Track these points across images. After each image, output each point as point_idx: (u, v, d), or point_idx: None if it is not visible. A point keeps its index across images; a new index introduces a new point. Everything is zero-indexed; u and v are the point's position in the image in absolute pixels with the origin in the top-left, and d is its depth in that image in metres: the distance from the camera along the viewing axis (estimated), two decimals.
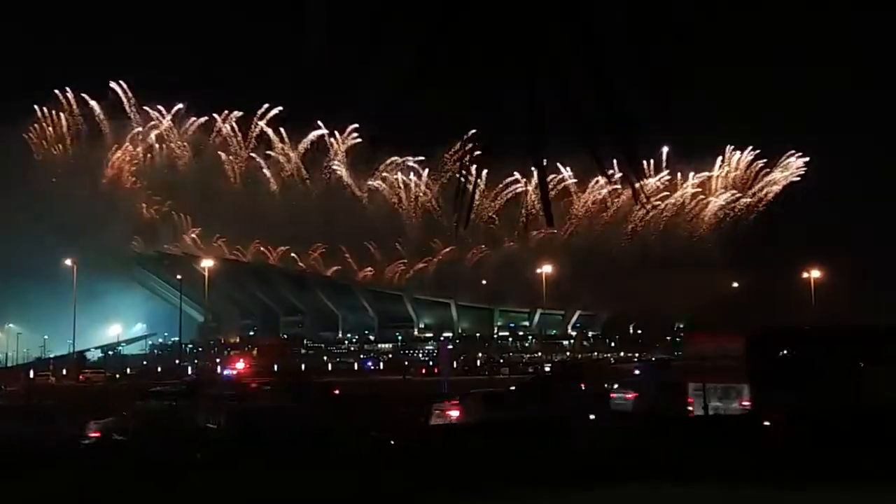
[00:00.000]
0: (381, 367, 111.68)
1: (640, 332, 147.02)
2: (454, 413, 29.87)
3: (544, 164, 5.03)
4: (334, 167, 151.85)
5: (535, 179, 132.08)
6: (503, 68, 4.45)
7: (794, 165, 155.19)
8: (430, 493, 16.05)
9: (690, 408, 28.21)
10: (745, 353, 26.83)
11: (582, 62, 4.15)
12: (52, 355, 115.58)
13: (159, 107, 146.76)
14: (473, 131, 5.04)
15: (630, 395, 33.34)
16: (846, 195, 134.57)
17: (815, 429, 21.20)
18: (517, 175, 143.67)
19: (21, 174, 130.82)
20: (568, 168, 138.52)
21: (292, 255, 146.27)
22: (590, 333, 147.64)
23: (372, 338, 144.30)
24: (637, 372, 57.99)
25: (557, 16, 4.11)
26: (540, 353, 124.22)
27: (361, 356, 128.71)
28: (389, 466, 18.40)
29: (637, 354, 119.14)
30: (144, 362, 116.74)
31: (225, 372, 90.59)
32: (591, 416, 28.40)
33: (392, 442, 22.75)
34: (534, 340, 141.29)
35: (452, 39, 4.41)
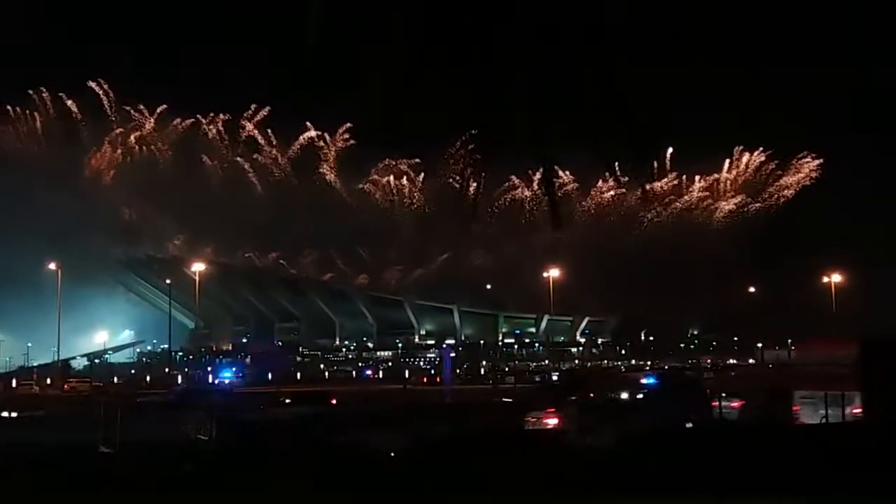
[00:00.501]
0: (381, 375, 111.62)
1: (651, 338, 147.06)
2: (552, 421, 30.21)
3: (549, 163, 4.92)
4: (323, 171, 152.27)
5: (534, 185, 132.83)
6: (504, 66, 4.47)
7: (806, 168, 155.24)
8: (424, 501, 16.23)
9: (797, 415, 28.69)
10: (857, 361, 27.35)
11: (589, 60, 4.19)
12: (35, 364, 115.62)
13: (141, 107, 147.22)
14: (474, 131, 5.04)
15: (735, 404, 33.95)
16: (858, 195, 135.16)
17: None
18: (515, 179, 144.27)
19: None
20: (567, 172, 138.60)
21: (281, 261, 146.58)
22: (599, 340, 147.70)
23: (371, 345, 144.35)
24: (645, 381, 58.11)
25: (564, 15, 4.16)
26: (547, 361, 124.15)
27: (360, 364, 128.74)
28: (387, 478, 18.53)
29: (649, 362, 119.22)
30: (132, 371, 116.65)
31: (217, 381, 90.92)
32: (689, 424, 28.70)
33: (392, 454, 22.83)
34: (541, 348, 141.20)
35: (453, 38, 4.43)
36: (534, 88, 4.50)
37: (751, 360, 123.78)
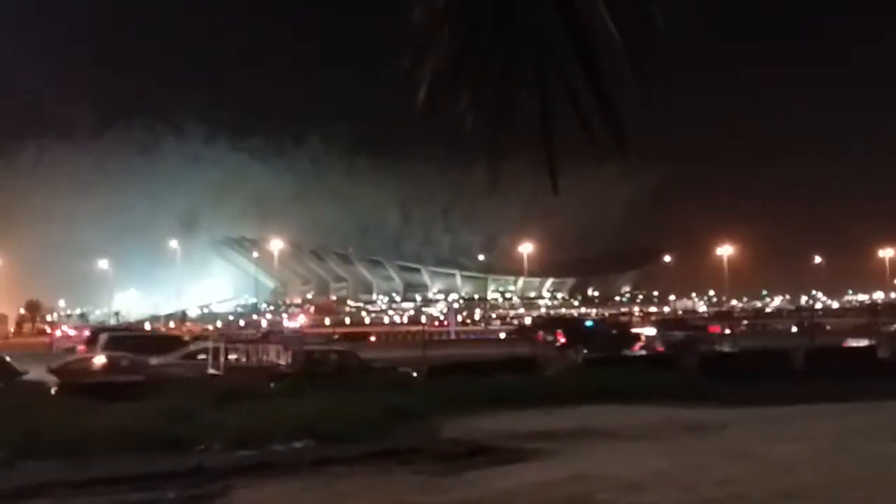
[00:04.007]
0: (406, 320, 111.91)
1: (596, 293, 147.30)
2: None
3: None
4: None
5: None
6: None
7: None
8: (437, 410, 16.34)
9: None
10: None
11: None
12: (163, 313, 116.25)
13: None
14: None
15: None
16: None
17: None
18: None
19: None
20: None
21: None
22: (559, 295, 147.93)
23: (398, 299, 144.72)
24: (588, 324, 58.52)
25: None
26: (522, 310, 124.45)
27: (390, 312, 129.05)
28: (411, 391, 18.69)
29: (594, 311, 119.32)
30: (231, 317, 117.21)
31: (289, 324, 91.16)
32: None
33: (414, 374, 22.98)
34: (518, 300, 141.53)
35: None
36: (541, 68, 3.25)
37: (665, 309, 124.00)
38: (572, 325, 41.71)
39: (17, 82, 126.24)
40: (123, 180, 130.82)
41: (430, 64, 3.45)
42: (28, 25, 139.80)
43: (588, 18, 3.33)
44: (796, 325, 50.47)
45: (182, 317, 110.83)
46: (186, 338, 37.97)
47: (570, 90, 3.48)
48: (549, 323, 44.90)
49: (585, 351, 28.85)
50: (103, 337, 30.10)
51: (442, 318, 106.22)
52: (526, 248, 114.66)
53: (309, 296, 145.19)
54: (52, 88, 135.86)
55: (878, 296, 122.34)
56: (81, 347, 32.94)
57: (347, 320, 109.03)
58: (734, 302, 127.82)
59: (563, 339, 34.29)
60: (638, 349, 30.08)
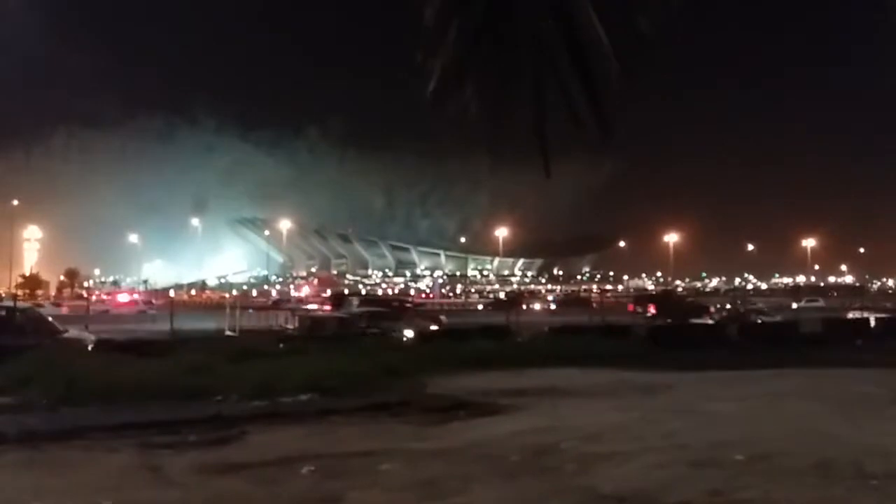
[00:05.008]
0: (396, 293, 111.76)
1: (560, 272, 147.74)
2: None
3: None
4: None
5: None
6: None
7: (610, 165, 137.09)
8: (423, 369, 16.35)
9: None
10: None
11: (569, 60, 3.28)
12: (185, 282, 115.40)
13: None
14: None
15: None
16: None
17: None
18: None
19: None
20: None
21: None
22: (529, 273, 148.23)
23: (390, 274, 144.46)
24: (551, 298, 59.55)
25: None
26: (497, 286, 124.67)
27: (383, 285, 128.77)
28: (401, 353, 18.68)
29: (559, 288, 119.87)
30: (245, 287, 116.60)
31: (295, 294, 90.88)
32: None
33: (405, 339, 22.96)
34: (493, 277, 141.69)
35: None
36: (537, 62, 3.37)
37: (619, 287, 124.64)
38: (661, 299, 44.18)
39: (49, 74, 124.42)
40: (144, 164, 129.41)
41: (439, 59, 3.41)
42: (60, 24, 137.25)
43: (580, 22, 3.28)
44: (730, 303, 50.93)
45: (202, 286, 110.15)
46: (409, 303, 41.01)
47: (563, 87, 3.44)
48: (642, 298, 47.47)
49: (669, 320, 29.97)
50: (354, 300, 33.66)
51: (428, 291, 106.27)
52: (501, 233, 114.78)
53: (313, 269, 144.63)
54: (81, 81, 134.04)
55: (801, 279, 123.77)
56: (328, 308, 35.76)
57: (346, 291, 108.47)
58: (678, 282, 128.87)
59: (653, 310, 35.97)
60: (708, 316, 32.65)
